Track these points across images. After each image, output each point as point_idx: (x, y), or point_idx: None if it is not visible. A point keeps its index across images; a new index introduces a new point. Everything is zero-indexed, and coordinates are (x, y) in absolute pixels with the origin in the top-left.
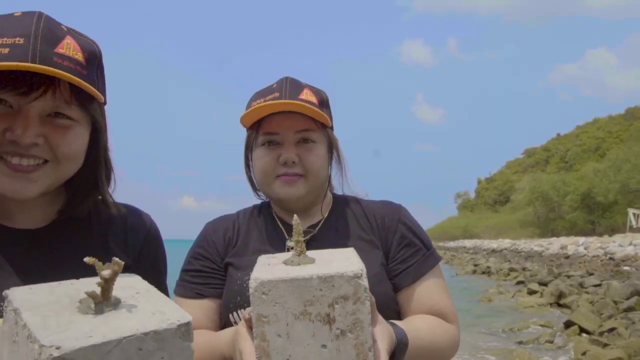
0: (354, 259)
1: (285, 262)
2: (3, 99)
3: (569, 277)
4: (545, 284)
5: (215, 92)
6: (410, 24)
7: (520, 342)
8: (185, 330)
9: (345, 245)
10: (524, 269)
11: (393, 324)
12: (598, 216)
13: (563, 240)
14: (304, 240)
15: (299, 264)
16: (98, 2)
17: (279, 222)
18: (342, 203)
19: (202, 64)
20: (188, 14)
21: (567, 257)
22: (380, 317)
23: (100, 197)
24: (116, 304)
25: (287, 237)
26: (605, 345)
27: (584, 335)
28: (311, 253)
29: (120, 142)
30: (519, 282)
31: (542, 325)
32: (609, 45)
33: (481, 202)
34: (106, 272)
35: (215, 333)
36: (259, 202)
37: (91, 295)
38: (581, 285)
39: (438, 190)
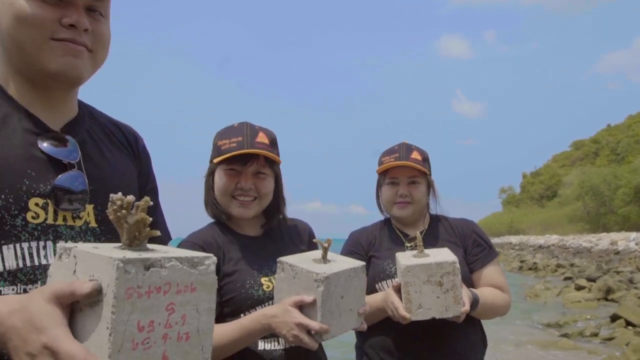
0: (450, 253)
1: (414, 256)
2: (234, 168)
3: (618, 273)
4: (593, 280)
5: (263, 93)
6: (448, 18)
7: (565, 335)
8: (361, 269)
9: (439, 245)
10: (572, 265)
11: (470, 289)
12: None
13: (613, 235)
14: (415, 243)
15: (422, 256)
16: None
17: (397, 231)
18: (435, 219)
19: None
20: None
21: (617, 252)
22: (464, 285)
23: (281, 216)
24: (332, 260)
25: (404, 240)
26: None
27: (630, 327)
28: (425, 250)
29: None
30: (566, 278)
31: (587, 319)
32: None
33: (527, 197)
34: (326, 244)
35: (371, 296)
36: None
37: (322, 255)
38: (630, 281)
39: (480, 186)
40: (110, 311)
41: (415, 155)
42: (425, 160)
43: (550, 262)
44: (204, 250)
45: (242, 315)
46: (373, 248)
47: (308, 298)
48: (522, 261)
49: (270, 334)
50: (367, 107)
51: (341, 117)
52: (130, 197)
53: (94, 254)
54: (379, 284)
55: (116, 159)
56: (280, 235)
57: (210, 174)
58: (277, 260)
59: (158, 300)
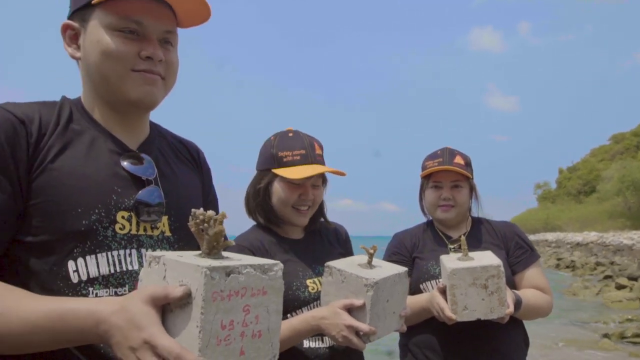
0: (494, 256)
1: (459, 259)
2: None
3: None
4: (635, 279)
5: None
6: (478, 10)
7: (605, 335)
8: (405, 274)
9: (482, 248)
10: (612, 263)
11: (513, 291)
12: None
13: None
14: (458, 245)
15: (467, 260)
16: None
17: (440, 234)
18: (477, 222)
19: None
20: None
21: None
22: (507, 287)
23: (323, 219)
24: (377, 265)
25: (447, 242)
26: None
27: None
28: (469, 253)
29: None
30: (606, 277)
31: (629, 320)
32: None
33: (563, 192)
34: (372, 250)
35: (416, 296)
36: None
37: (368, 260)
38: None
39: (514, 182)
40: (199, 312)
41: (458, 159)
42: (468, 164)
43: (588, 259)
44: (253, 254)
45: (289, 316)
46: (417, 250)
47: (358, 302)
48: (559, 259)
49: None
50: (396, 104)
51: (372, 114)
52: (211, 212)
53: (183, 263)
54: (423, 284)
55: (184, 174)
56: (321, 238)
57: (268, 183)
58: (325, 265)
59: (236, 302)
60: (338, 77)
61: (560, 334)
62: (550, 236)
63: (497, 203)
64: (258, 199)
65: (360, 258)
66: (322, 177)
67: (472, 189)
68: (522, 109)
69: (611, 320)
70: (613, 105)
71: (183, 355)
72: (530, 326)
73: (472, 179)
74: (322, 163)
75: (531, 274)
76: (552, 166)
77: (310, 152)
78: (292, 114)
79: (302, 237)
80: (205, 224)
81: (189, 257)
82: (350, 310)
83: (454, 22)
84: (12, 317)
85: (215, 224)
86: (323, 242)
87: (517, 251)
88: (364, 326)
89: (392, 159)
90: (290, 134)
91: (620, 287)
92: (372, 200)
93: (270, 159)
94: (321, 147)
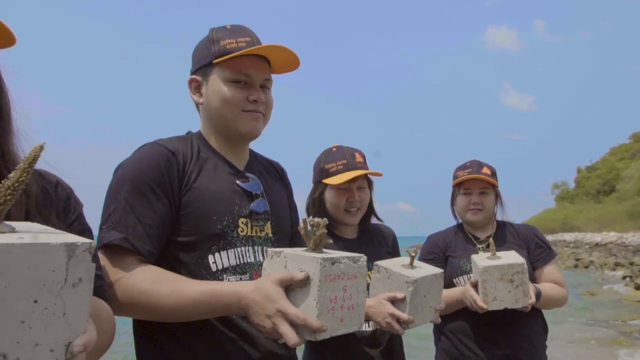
0: (518, 255)
1: (488, 257)
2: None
3: None
4: None
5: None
6: (492, 9)
7: (624, 332)
8: (441, 275)
9: (505, 247)
10: (631, 263)
11: (534, 285)
12: None
13: None
14: (486, 244)
15: (495, 259)
16: None
17: (469, 235)
18: (501, 225)
19: None
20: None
21: None
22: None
23: (375, 220)
24: (417, 266)
25: (475, 242)
26: None
27: None
28: (497, 253)
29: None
30: (625, 277)
31: None
32: None
33: (582, 192)
34: (413, 253)
35: (450, 289)
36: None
37: (410, 261)
38: None
39: (531, 181)
40: (316, 290)
41: (485, 170)
42: (494, 174)
43: (607, 260)
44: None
45: None
46: (449, 249)
47: (400, 295)
48: (577, 259)
49: None
50: (411, 104)
51: (387, 114)
52: (317, 219)
53: (302, 255)
54: (456, 279)
55: (277, 189)
56: (371, 238)
57: (321, 193)
58: (374, 264)
59: (338, 283)
60: (353, 77)
61: (578, 332)
62: (569, 236)
63: (514, 203)
64: (315, 208)
65: (403, 259)
66: (366, 180)
67: (497, 195)
68: (539, 107)
69: (630, 318)
70: (633, 103)
71: (307, 319)
72: (549, 324)
73: (497, 187)
74: (365, 169)
75: (549, 270)
76: (570, 165)
77: (351, 160)
78: (315, 116)
79: (356, 237)
80: (314, 228)
81: (301, 252)
82: (393, 302)
83: (469, 21)
84: (182, 295)
85: (320, 228)
86: (373, 242)
87: (536, 250)
88: (404, 315)
89: (400, 159)
90: (334, 149)
91: (639, 287)
92: (387, 200)
93: (319, 172)
94: (363, 156)
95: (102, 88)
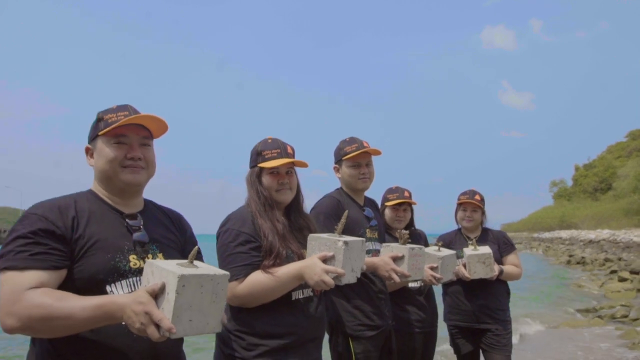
0: (488, 248)
1: (473, 250)
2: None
3: None
4: (637, 272)
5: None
6: (490, 9)
7: (598, 316)
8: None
9: (486, 244)
10: (619, 259)
11: (499, 265)
12: None
13: None
14: (473, 241)
15: (476, 251)
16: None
17: (464, 236)
18: (485, 230)
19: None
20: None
21: None
22: (496, 263)
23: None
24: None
25: (467, 240)
26: None
27: None
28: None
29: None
30: (612, 272)
31: (623, 305)
32: None
33: (579, 190)
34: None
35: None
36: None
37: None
38: None
39: (529, 179)
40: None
41: (477, 197)
42: (482, 199)
43: (598, 256)
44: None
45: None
46: (452, 244)
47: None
48: (570, 255)
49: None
50: (410, 103)
51: (384, 113)
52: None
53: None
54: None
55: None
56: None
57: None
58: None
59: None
60: (352, 76)
61: (561, 318)
62: (565, 234)
63: (512, 201)
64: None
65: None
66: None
67: (483, 212)
68: (537, 105)
69: (607, 306)
70: (630, 101)
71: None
72: (539, 310)
73: (484, 207)
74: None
75: (511, 258)
76: (568, 163)
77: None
78: (315, 116)
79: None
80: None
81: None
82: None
83: (466, 22)
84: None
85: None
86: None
87: (503, 245)
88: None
89: (398, 157)
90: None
91: (622, 279)
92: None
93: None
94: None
95: (102, 88)
